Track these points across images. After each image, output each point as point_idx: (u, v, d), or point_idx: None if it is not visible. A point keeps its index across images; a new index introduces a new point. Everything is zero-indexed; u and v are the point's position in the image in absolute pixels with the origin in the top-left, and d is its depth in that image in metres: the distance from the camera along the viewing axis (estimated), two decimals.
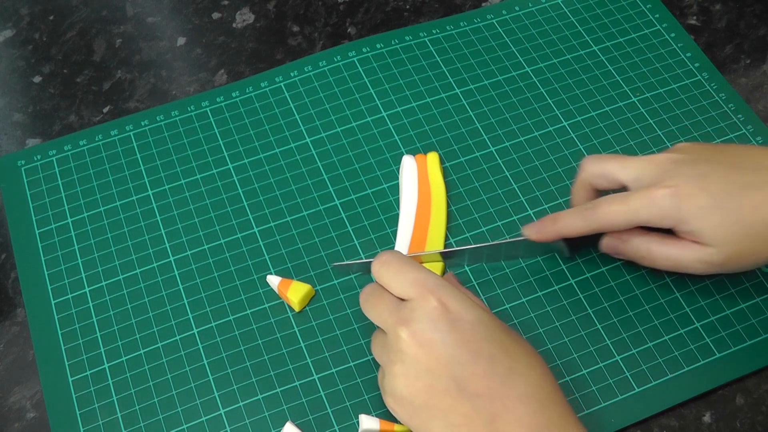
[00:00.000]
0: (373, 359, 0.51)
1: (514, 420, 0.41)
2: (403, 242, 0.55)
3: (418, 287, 0.44)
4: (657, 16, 0.68)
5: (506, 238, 0.54)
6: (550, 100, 0.63)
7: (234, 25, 0.69)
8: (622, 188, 0.51)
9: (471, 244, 0.55)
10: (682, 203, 0.47)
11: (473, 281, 0.54)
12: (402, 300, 0.45)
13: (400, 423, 0.49)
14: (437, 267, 0.55)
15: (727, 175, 0.47)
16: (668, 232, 0.49)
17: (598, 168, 0.52)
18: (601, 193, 0.52)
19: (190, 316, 0.53)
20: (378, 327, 0.47)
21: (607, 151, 0.60)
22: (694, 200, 0.47)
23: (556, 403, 0.42)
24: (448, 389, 0.42)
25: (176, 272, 0.55)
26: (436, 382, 0.42)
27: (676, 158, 0.49)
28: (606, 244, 0.52)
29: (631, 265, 0.55)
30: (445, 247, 0.55)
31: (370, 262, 0.49)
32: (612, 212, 0.49)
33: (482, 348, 0.43)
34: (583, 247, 0.55)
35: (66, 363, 0.52)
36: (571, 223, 0.51)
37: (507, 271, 0.55)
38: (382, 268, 0.46)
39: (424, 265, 0.54)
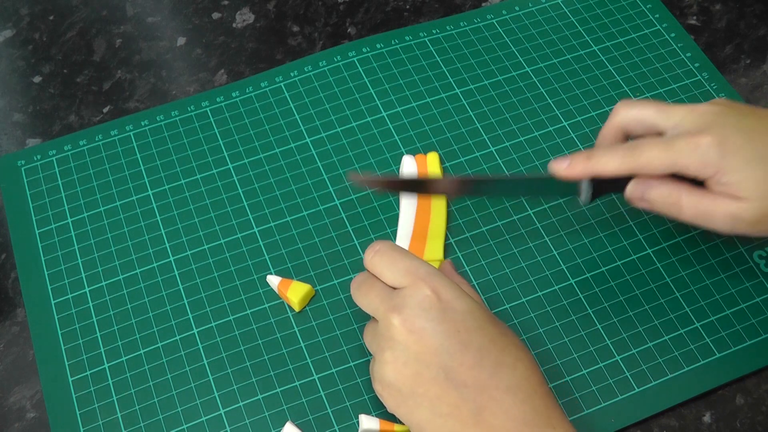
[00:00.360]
0: (367, 351, 0.51)
1: (501, 411, 0.41)
2: (403, 242, 0.55)
3: (410, 276, 0.44)
4: (657, 16, 0.68)
5: (531, 174, 0.51)
6: (550, 100, 0.63)
7: (234, 25, 0.69)
8: (657, 135, 0.49)
9: (489, 176, 0.53)
10: (727, 152, 0.45)
11: (473, 281, 0.54)
12: (394, 288, 0.45)
13: (400, 423, 0.49)
14: (438, 249, 0.55)
15: None
16: (699, 185, 0.48)
17: (634, 112, 0.50)
18: (632, 138, 0.51)
19: (190, 316, 0.53)
20: (371, 317, 0.47)
21: None
22: (740, 151, 0.45)
23: (541, 396, 0.43)
24: (436, 378, 0.42)
25: (176, 272, 0.55)
26: (425, 370, 0.42)
27: (720, 110, 0.48)
28: (633, 191, 0.49)
29: (632, 266, 0.55)
30: (445, 249, 0.55)
31: (391, 180, 0.50)
32: (653, 155, 0.47)
33: (472, 338, 0.43)
34: (606, 192, 0.51)
35: (66, 363, 0.52)
36: (607, 161, 0.48)
37: (507, 271, 0.55)
38: (375, 257, 0.46)
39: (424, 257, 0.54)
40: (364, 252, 0.55)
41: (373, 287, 0.46)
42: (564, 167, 0.50)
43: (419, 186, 0.54)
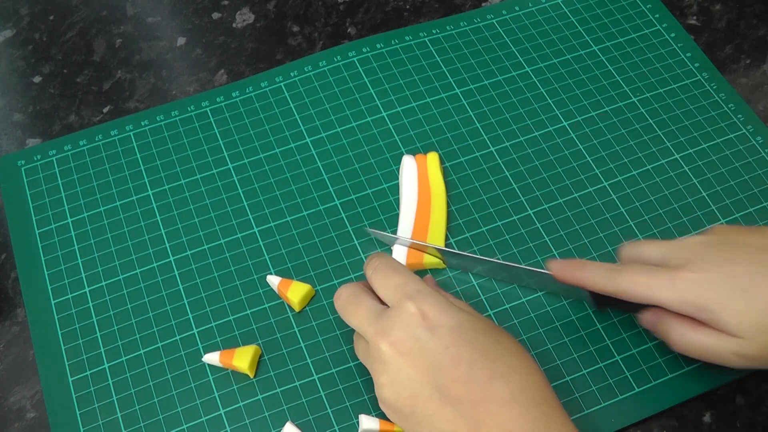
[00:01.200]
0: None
1: (496, 426, 0.41)
2: (400, 253, 0.55)
3: (398, 294, 0.45)
4: (657, 16, 0.68)
5: (534, 268, 0.52)
6: (550, 100, 0.63)
7: (234, 25, 0.69)
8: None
9: (497, 259, 0.54)
10: (704, 290, 0.44)
11: (473, 281, 0.54)
12: (383, 305, 0.46)
13: None
14: (441, 238, 0.55)
15: (757, 257, 0.44)
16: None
17: (632, 251, 0.49)
18: None
19: (190, 316, 0.53)
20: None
21: (607, 151, 0.60)
22: (718, 287, 0.44)
23: (541, 404, 0.42)
24: (432, 397, 0.42)
25: (176, 272, 0.55)
26: (420, 390, 0.42)
27: (706, 240, 0.47)
28: (645, 319, 0.48)
29: None
30: (445, 246, 0.55)
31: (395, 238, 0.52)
32: (634, 281, 0.46)
33: (461, 354, 0.42)
34: (614, 306, 0.52)
35: (66, 363, 0.52)
36: (593, 276, 0.48)
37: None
38: (374, 274, 0.47)
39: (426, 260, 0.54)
40: (363, 253, 0.56)
41: (359, 307, 0.46)
42: (557, 270, 0.50)
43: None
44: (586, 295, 0.51)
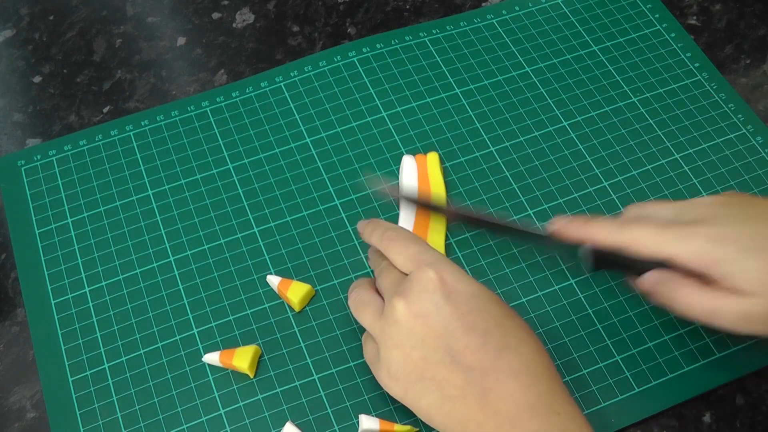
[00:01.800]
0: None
1: (506, 395, 0.41)
2: None
3: (416, 261, 0.45)
4: (657, 16, 0.68)
5: (532, 227, 0.51)
6: (550, 100, 0.63)
7: (234, 25, 0.69)
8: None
9: (498, 218, 0.53)
10: (719, 244, 0.43)
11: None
12: (402, 274, 0.46)
13: (400, 423, 0.49)
14: (439, 249, 0.55)
15: None
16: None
17: (636, 211, 0.49)
18: None
19: (190, 315, 0.53)
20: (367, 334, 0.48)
21: (607, 151, 0.60)
22: (737, 241, 0.43)
23: (547, 380, 0.43)
24: (443, 360, 0.43)
25: (176, 272, 0.55)
26: (431, 353, 0.43)
27: (720, 200, 0.47)
28: (644, 282, 0.47)
29: None
30: (446, 249, 0.55)
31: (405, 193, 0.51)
32: (641, 234, 0.46)
33: (476, 321, 0.43)
34: (610, 268, 0.50)
35: (66, 363, 0.52)
36: (598, 230, 0.47)
37: (507, 271, 0.55)
38: (390, 243, 0.47)
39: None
40: (363, 252, 0.55)
41: (385, 274, 0.47)
42: (560, 226, 0.49)
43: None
44: (585, 255, 0.49)
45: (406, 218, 0.56)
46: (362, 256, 0.56)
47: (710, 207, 0.46)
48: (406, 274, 0.46)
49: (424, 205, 0.55)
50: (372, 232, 0.49)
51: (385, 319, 0.45)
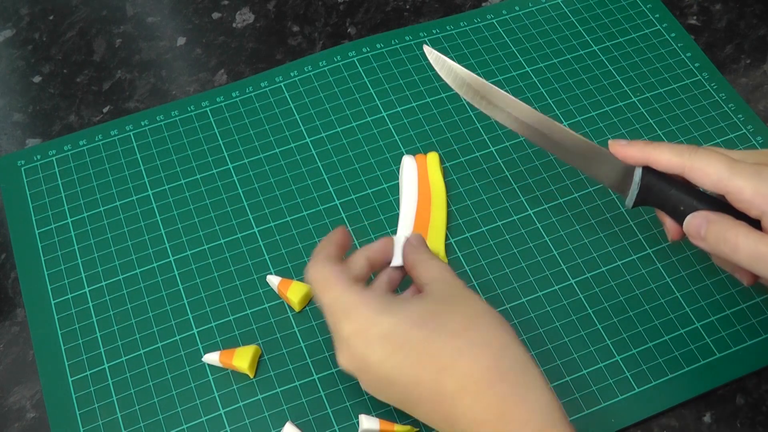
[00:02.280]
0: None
1: (459, 372, 0.41)
2: (403, 242, 0.55)
3: (328, 312, 0.44)
4: (657, 16, 0.68)
5: (591, 141, 0.48)
6: (550, 100, 0.63)
7: (234, 25, 0.69)
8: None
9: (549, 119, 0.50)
10: None
11: (473, 281, 0.54)
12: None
13: (400, 423, 0.49)
14: (439, 249, 0.55)
15: None
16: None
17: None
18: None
19: (190, 315, 0.53)
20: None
21: None
22: None
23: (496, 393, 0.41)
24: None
25: (176, 272, 0.55)
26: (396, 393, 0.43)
27: None
28: (691, 223, 0.45)
29: (632, 266, 0.55)
30: (446, 249, 0.55)
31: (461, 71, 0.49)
32: (711, 161, 0.44)
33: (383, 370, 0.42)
34: (652, 203, 0.47)
35: (66, 363, 0.52)
36: (663, 151, 0.45)
37: (507, 271, 0.55)
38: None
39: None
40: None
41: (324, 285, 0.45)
42: (621, 145, 0.47)
43: (486, 97, 0.50)
44: (633, 186, 0.47)
45: (406, 218, 0.56)
46: None
47: None
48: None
49: (480, 96, 0.50)
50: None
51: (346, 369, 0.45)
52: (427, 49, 0.50)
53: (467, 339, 0.42)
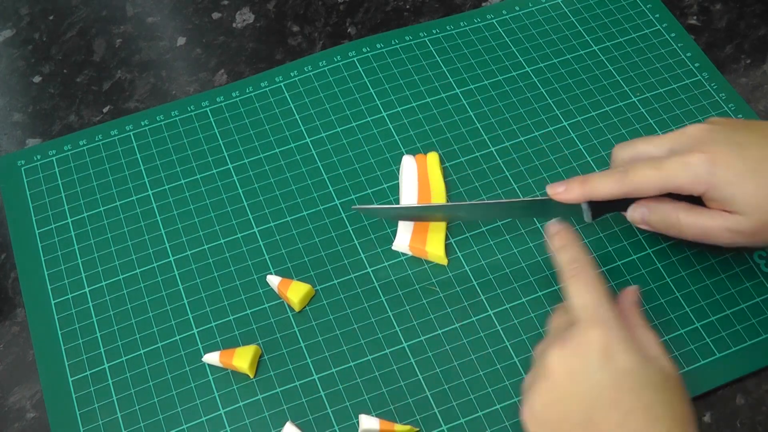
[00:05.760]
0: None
1: None
2: (404, 240, 0.55)
3: (588, 312, 0.44)
4: (657, 16, 0.68)
5: (529, 197, 0.52)
6: (550, 100, 0.63)
7: (234, 25, 0.69)
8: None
9: (486, 200, 0.54)
10: (717, 168, 0.47)
11: (473, 281, 0.54)
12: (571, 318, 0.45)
13: (400, 423, 0.49)
14: (439, 247, 0.55)
15: (764, 145, 0.47)
16: (696, 203, 0.49)
17: (627, 152, 0.51)
18: None
19: (190, 316, 0.53)
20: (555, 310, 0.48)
21: (607, 151, 0.60)
22: (729, 166, 0.46)
23: None
24: (580, 424, 0.42)
25: (176, 272, 0.55)
26: (570, 414, 0.42)
27: (710, 128, 0.49)
28: (635, 213, 0.51)
29: (632, 266, 0.55)
30: (446, 248, 0.55)
31: (393, 208, 0.51)
32: (646, 175, 0.48)
33: (622, 399, 0.41)
34: (606, 212, 0.52)
35: (66, 363, 0.52)
36: (601, 185, 0.49)
37: (507, 271, 0.55)
38: (571, 281, 0.46)
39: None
40: (363, 252, 0.55)
41: (589, 288, 0.45)
42: (561, 191, 0.51)
43: (420, 215, 0.55)
44: (585, 209, 0.51)
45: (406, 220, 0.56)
46: (362, 255, 0.56)
47: (702, 132, 0.49)
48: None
49: (422, 214, 0.55)
50: (560, 249, 0.48)
51: (541, 357, 0.44)
52: (357, 208, 0.55)
53: (679, 423, 0.42)
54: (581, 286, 0.45)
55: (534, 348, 0.47)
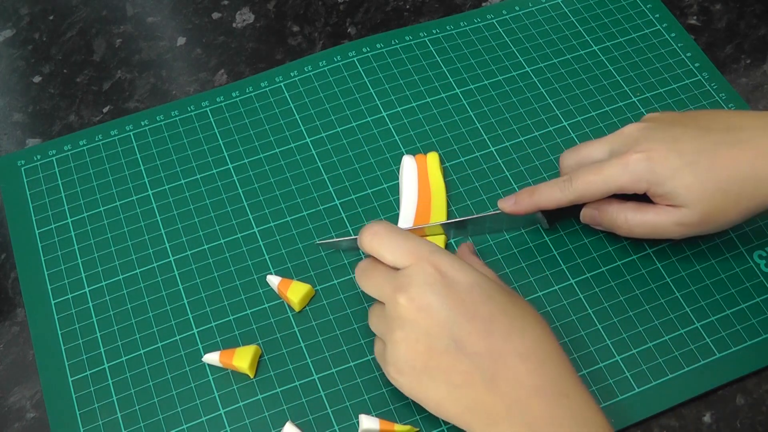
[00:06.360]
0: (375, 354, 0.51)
1: (514, 378, 0.42)
2: None
3: (412, 256, 0.45)
4: (657, 16, 0.68)
5: (487, 212, 0.56)
6: (550, 100, 0.63)
7: (234, 25, 0.69)
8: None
9: (455, 218, 0.56)
10: (655, 165, 0.48)
11: None
12: (397, 269, 0.46)
13: (400, 423, 0.49)
14: (439, 240, 0.55)
15: (698, 136, 0.49)
16: (643, 200, 0.50)
17: (573, 158, 0.54)
18: None
19: (190, 315, 0.53)
20: (375, 300, 0.48)
21: None
22: (667, 161, 0.48)
23: (555, 362, 0.43)
24: (447, 349, 0.43)
25: (176, 272, 0.55)
26: (436, 343, 0.43)
27: (646, 126, 0.51)
28: (585, 215, 0.53)
29: (632, 266, 0.55)
30: (446, 248, 0.55)
31: (356, 238, 0.51)
32: (588, 181, 0.50)
33: (479, 309, 0.43)
34: (562, 218, 0.56)
35: (66, 363, 0.52)
36: (547, 195, 0.52)
37: (507, 271, 0.55)
38: (373, 240, 0.47)
39: (427, 237, 0.55)
40: (365, 256, 0.55)
41: (377, 270, 0.47)
42: (510, 204, 0.53)
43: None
44: (540, 217, 0.55)
45: (406, 218, 0.56)
46: (362, 256, 0.56)
47: (638, 132, 0.50)
48: (397, 269, 0.46)
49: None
50: (360, 235, 0.48)
51: (388, 314, 0.45)
52: (319, 243, 0.56)
53: (534, 316, 0.45)
54: (390, 242, 0.46)
55: (369, 322, 0.48)
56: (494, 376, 0.42)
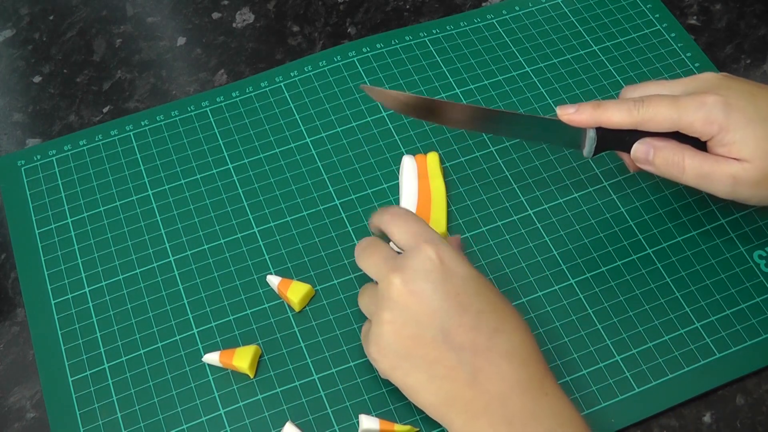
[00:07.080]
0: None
1: (497, 374, 0.42)
2: None
3: (417, 238, 0.45)
4: (657, 16, 0.68)
5: (537, 115, 0.51)
6: (550, 100, 0.63)
7: (234, 25, 0.69)
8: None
9: (501, 111, 0.51)
10: (730, 111, 0.47)
11: None
12: (398, 252, 0.46)
13: (400, 423, 0.49)
14: (442, 231, 0.55)
15: None
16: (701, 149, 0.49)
17: (639, 92, 0.51)
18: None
19: (190, 315, 0.53)
20: (367, 282, 0.48)
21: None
22: (744, 111, 0.47)
23: (536, 363, 0.44)
24: (434, 339, 0.43)
25: (176, 272, 0.55)
26: (424, 331, 0.43)
27: (724, 76, 0.50)
28: (638, 150, 0.50)
29: (632, 266, 0.55)
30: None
31: (402, 94, 0.50)
32: (660, 110, 0.48)
33: (471, 302, 0.43)
34: (608, 148, 0.52)
35: (66, 363, 0.52)
36: (613, 112, 0.49)
37: (507, 271, 0.55)
38: (385, 215, 0.48)
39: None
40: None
41: (377, 249, 0.47)
42: (571, 112, 0.50)
43: (431, 110, 0.51)
44: (591, 138, 0.51)
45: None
46: None
47: (716, 80, 0.49)
48: (399, 252, 0.46)
49: (426, 111, 0.51)
50: (378, 214, 0.49)
51: (380, 293, 0.45)
52: (365, 87, 0.52)
53: (518, 319, 0.45)
54: (401, 221, 0.47)
55: (359, 300, 0.49)
56: (477, 372, 0.42)
